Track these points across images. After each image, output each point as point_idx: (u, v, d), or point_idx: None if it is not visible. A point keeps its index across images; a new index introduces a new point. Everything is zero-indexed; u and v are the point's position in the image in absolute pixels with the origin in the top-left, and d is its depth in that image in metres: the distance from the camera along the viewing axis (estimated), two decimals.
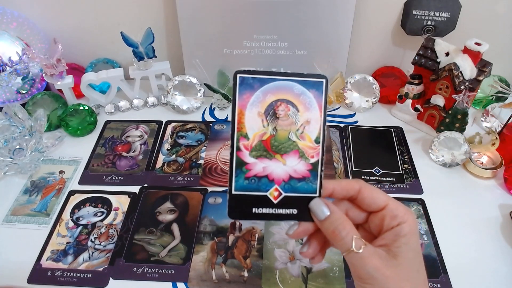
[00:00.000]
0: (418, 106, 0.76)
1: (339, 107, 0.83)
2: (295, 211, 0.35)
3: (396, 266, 0.32)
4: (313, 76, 0.34)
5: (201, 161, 0.71)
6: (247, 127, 0.34)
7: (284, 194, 0.35)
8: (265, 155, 0.35)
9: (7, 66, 0.76)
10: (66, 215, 0.62)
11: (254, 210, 0.35)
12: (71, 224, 0.61)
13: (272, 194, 0.35)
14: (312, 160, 0.35)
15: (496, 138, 0.65)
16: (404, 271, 0.32)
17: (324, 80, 0.34)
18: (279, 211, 0.35)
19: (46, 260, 0.56)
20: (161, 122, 0.80)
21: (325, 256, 0.56)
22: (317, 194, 0.36)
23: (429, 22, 0.75)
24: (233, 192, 0.35)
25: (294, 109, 0.35)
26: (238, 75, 0.34)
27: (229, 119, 0.79)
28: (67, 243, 0.59)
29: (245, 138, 0.34)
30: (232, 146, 0.34)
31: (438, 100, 0.71)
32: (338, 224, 0.34)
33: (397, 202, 0.35)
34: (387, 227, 0.34)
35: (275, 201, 0.35)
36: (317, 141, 0.35)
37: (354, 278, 0.34)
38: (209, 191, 0.66)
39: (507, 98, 0.78)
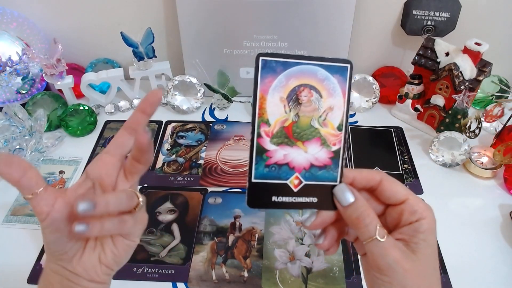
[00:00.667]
0: (418, 106, 0.76)
1: None
2: (315, 200, 0.34)
3: (414, 261, 0.32)
4: (338, 60, 0.33)
5: (201, 161, 0.71)
6: (268, 113, 0.33)
7: (304, 182, 0.34)
8: (287, 142, 0.33)
9: (7, 66, 0.76)
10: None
11: (274, 198, 0.34)
12: None
13: (293, 182, 0.34)
14: (334, 148, 0.34)
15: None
16: (422, 267, 0.32)
17: (349, 65, 0.33)
18: (299, 199, 0.34)
19: None
20: (161, 122, 0.80)
21: (325, 257, 0.56)
22: (338, 183, 0.35)
23: (429, 22, 0.75)
24: (253, 180, 0.33)
25: (317, 95, 0.33)
26: (261, 58, 0.32)
27: (229, 119, 0.80)
28: None
29: (267, 124, 0.33)
30: (252, 133, 0.33)
31: (438, 100, 0.71)
32: (363, 211, 0.33)
33: (417, 197, 0.34)
34: (406, 221, 0.33)
35: (295, 189, 0.34)
36: (339, 128, 0.34)
37: (372, 269, 0.33)
38: (209, 191, 0.66)
39: (507, 97, 0.78)
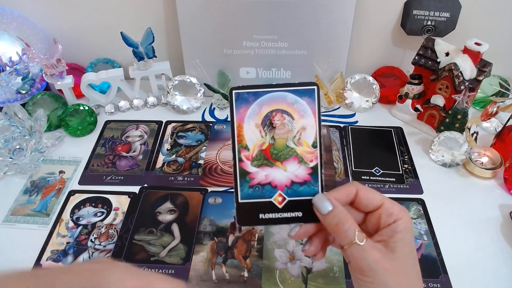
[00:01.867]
0: (418, 106, 0.76)
1: (339, 107, 0.83)
2: (300, 214, 0.37)
3: (393, 260, 0.34)
4: (304, 84, 0.36)
5: (201, 161, 0.71)
6: (246, 139, 0.36)
7: (288, 198, 0.37)
8: (266, 163, 0.37)
9: (7, 66, 0.76)
10: (66, 215, 0.62)
11: (261, 216, 0.37)
12: (71, 224, 0.61)
13: (277, 199, 0.37)
14: (312, 164, 0.37)
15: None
16: (401, 265, 0.34)
17: (315, 87, 0.36)
18: (285, 215, 0.37)
19: (46, 260, 0.56)
20: (161, 122, 0.80)
21: (325, 257, 0.56)
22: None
23: (429, 22, 0.75)
24: (240, 200, 0.37)
25: (289, 118, 0.36)
26: (234, 92, 0.36)
27: (229, 119, 0.80)
28: (67, 243, 0.59)
29: (246, 149, 0.37)
30: (234, 158, 0.37)
31: (438, 100, 0.71)
32: (341, 217, 0.35)
33: (392, 201, 0.37)
34: (384, 224, 0.36)
35: (280, 206, 0.37)
36: (314, 145, 0.37)
37: (354, 271, 0.35)
38: (209, 191, 0.66)
39: (506, 99, 0.78)
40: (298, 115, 0.36)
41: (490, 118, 0.72)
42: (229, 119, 0.77)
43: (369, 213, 0.38)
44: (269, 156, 0.37)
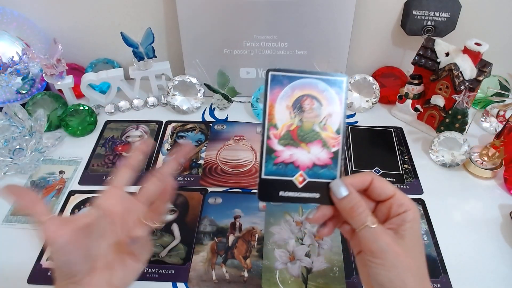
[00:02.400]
0: (418, 106, 0.76)
1: None
2: (317, 195, 0.39)
3: (403, 245, 0.36)
4: (335, 75, 0.38)
5: (201, 161, 0.71)
6: (276, 118, 0.38)
7: (308, 179, 0.39)
8: (292, 143, 0.38)
9: (8, 67, 0.76)
10: (66, 215, 0.62)
11: (281, 193, 0.39)
12: None
13: (298, 179, 0.39)
14: (334, 149, 0.39)
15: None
16: (410, 250, 0.36)
17: (344, 79, 0.38)
18: (303, 194, 0.39)
19: (46, 260, 0.56)
20: (161, 122, 0.80)
21: (325, 257, 0.57)
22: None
23: (429, 22, 0.75)
24: (263, 176, 0.38)
25: (318, 104, 0.38)
26: (270, 73, 0.38)
27: (229, 119, 0.80)
28: None
29: (275, 128, 0.38)
30: (263, 135, 0.38)
31: (438, 100, 0.71)
32: (356, 202, 0.37)
33: (403, 193, 0.39)
34: (394, 213, 0.38)
35: (300, 186, 0.39)
36: (338, 132, 0.39)
37: (365, 254, 0.37)
38: (209, 191, 0.66)
39: (508, 96, 0.78)
40: (326, 102, 0.38)
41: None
42: (233, 117, 0.78)
43: (380, 202, 0.39)
44: (296, 137, 0.39)
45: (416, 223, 0.37)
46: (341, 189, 0.38)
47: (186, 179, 0.68)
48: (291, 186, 0.39)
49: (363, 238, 0.36)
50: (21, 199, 0.39)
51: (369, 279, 0.37)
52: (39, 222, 0.38)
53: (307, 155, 0.39)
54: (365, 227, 0.36)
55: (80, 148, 0.74)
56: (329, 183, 0.39)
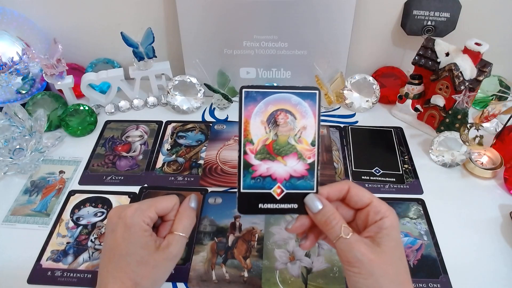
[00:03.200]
0: (418, 106, 0.76)
1: (339, 107, 0.83)
2: (295, 206, 0.40)
3: (379, 252, 0.37)
4: (307, 88, 0.40)
5: (201, 161, 0.71)
6: (252, 134, 0.39)
7: (286, 191, 0.40)
8: (268, 157, 0.40)
9: (10, 68, 0.76)
10: (66, 215, 0.62)
11: (260, 205, 0.40)
12: (71, 224, 0.61)
13: (275, 191, 0.40)
14: (309, 161, 0.40)
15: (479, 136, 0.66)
16: (387, 257, 0.37)
17: (317, 92, 0.40)
18: (282, 206, 0.40)
19: (46, 260, 0.56)
20: (161, 122, 0.80)
21: (325, 257, 0.57)
22: (315, 190, 0.41)
23: (429, 22, 0.75)
24: (242, 190, 0.40)
25: (292, 117, 0.40)
26: (243, 90, 0.39)
27: (229, 119, 0.80)
28: (67, 243, 0.59)
29: (251, 143, 0.40)
30: (239, 151, 0.39)
31: (438, 100, 0.71)
32: (330, 215, 0.38)
33: (380, 200, 0.40)
34: (371, 221, 0.39)
35: (278, 197, 0.40)
36: (313, 144, 0.40)
37: (343, 264, 0.38)
38: (209, 191, 0.66)
39: (506, 98, 0.78)
40: (300, 116, 0.40)
41: (490, 120, 0.71)
42: (233, 117, 0.79)
43: (358, 210, 0.41)
44: (272, 151, 0.40)
45: (393, 230, 0.38)
46: (316, 203, 0.39)
47: (186, 179, 0.68)
48: (269, 198, 0.40)
49: (339, 249, 0.38)
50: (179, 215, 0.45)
51: (348, 281, 0.38)
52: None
53: (284, 168, 0.40)
54: (340, 238, 0.37)
55: (80, 148, 0.74)
56: (306, 193, 0.40)
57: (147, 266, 0.40)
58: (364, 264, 0.36)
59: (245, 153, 0.40)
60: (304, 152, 0.40)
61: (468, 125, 0.67)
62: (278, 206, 0.40)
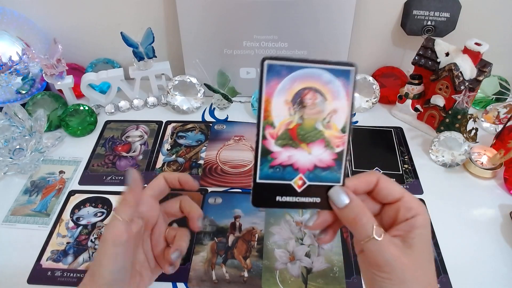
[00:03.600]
0: (418, 106, 0.76)
1: None
2: (318, 200, 0.35)
3: (411, 255, 0.33)
4: (342, 64, 0.34)
5: (201, 161, 0.71)
6: (273, 115, 0.33)
7: (308, 183, 0.35)
8: (291, 144, 0.34)
9: (10, 68, 0.76)
10: (66, 215, 0.62)
11: (278, 198, 0.35)
12: (71, 224, 0.61)
13: (297, 182, 0.35)
14: (338, 150, 0.35)
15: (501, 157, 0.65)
16: (419, 261, 0.33)
17: (353, 68, 0.34)
18: (303, 199, 0.35)
19: (46, 260, 0.56)
20: (161, 122, 0.80)
21: (325, 257, 0.56)
22: (341, 183, 0.35)
23: (429, 22, 0.75)
24: (258, 180, 0.35)
25: (321, 98, 0.34)
26: (266, 62, 0.32)
27: (229, 119, 0.80)
28: (67, 243, 0.59)
29: (271, 126, 0.34)
30: (257, 135, 0.34)
31: (438, 100, 0.71)
32: (359, 211, 0.34)
33: (412, 195, 0.36)
34: (402, 218, 0.35)
35: (299, 190, 0.35)
36: (343, 130, 0.35)
37: (371, 267, 0.34)
38: (209, 191, 0.66)
39: (506, 98, 0.78)
40: (331, 96, 0.34)
41: (500, 122, 0.71)
42: (233, 117, 0.77)
43: (386, 205, 0.37)
44: (295, 137, 0.34)
45: (426, 230, 0.34)
46: (342, 197, 0.34)
47: None
48: (289, 190, 0.35)
49: (368, 251, 0.33)
50: (130, 191, 0.40)
51: (372, 284, 0.34)
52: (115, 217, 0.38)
53: (308, 157, 0.35)
54: (371, 239, 0.33)
55: (80, 148, 0.74)
56: (331, 186, 0.35)
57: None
58: (395, 269, 0.32)
59: (264, 137, 0.34)
60: (332, 139, 0.34)
61: (468, 116, 0.67)
62: (299, 199, 0.35)
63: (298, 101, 0.33)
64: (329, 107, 0.34)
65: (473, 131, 0.68)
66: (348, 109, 0.35)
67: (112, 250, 0.37)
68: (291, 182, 0.35)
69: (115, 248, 0.37)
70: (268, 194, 0.35)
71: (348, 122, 0.35)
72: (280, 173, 0.35)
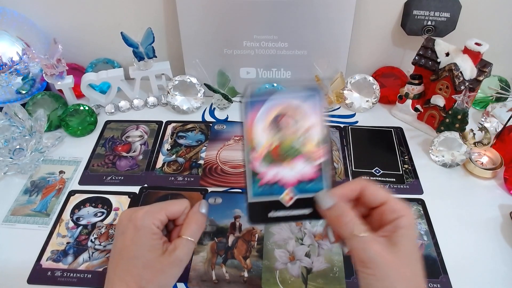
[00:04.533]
0: (418, 106, 0.76)
1: (339, 107, 0.83)
2: (308, 211, 0.39)
3: (395, 253, 0.34)
4: (307, 89, 0.39)
5: (201, 161, 0.71)
6: (255, 141, 0.38)
7: (296, 196, 0.39)
8: (274, 163, 0.39)
9: (10, 68, 0.76)
10: (66, 215, 0.62)
11: (270, 214, 0.39)
12: (71, 224, 0.61)
13: (285, 198, 0.39)
14: (318, 161, 0.39)
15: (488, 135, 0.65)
16: (403, 258, 0.34)
17: (317, 92, 0.39)
18: (293, 212, 0.39)
19: (46, 260, 0.56)
20: (161, 122, 0.80)
21: (325, 257, 0.57)
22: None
23: (429, 22, 0.75)
24: (249, 200, 0.39)
25: (294, 120, 0.39)
26: (244, 100, 0.39)
27: (229, 119, 0.80)
28: (67, 243, 0.59)
29: (255, 150, 0.39)
30: (244, 160, 0.39)
31: (438, 100, 0.71)
32: (342, 211, 0.36)
33: (396, 198, 0.38)
34: (387, 220, 0.37)
35: (287, 204, 0.39)
36: (320, 144, 0.39)
37: (356, 264, 0.35)
38: (209, 191, 0.66)
39: (506, 98, 0.78)
40: (302, 117, 0.39)
41: None
42: (233, 117, 0.79)
43: (373, 209, 0.39)
44: (277, 156, 0.39)
45: (410, 230, 0.36)
46: (326, 199, 0.37)
47: (186, 179, 0.68)
48: (279, 205, 0.38)
49: (352, 248, 0.35)
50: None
51: (360, 281, 0.35)
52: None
53: (291, 172, 0.39)
54: (354, 236, 0.35)
55: (80, 148, 0.74)
56: None
57: (153, 270, 0.39)
58: (379, 265, 0.34)
59: (249, 161, 0.39)
60: (311, 153, 0.39)
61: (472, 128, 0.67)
62: (289, 213, 0.39)
63: (275, 125, 0.39)
64: (303, 126, 0.39)
65: (486, 140, 0.67)
66: (320, 124, 0.39)
67: (180, 271, 0.42)
68: (279, 198, 0.39)
69: (182, 268, 0.42)
70: (261, 211, 0.39)
71: (324, 135, 0.39)
72: (268, 190, 0.39)
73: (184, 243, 0.41)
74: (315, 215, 0.38)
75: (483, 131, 0.67)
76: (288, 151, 0.39)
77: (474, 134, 0.67)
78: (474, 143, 0.67)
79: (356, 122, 0.79)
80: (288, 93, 0.39)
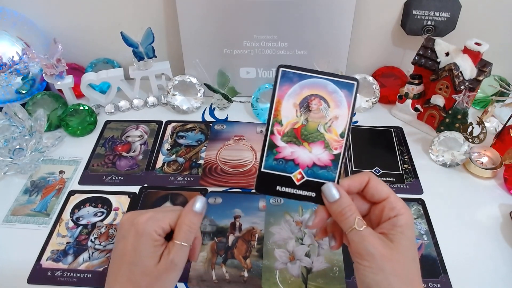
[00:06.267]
0: (418, 106, 0.76)
1: None
2: (313, 194, 0.39)
3: (392, 249, 0.35)
4: (346, 78, 0.38)
5: (201, 161, 0.71)
6: (282, 115, 0.39)
7: (306, 178, 0.39)
8: (295, 141, 0.39)
9: (10, 68, 0.76)
10: (66, 215, 0.62)
11: (278, 188, 0.39)
12: (71, 224, 0.61)
13: (296, 176, 0.39)
14: (335, 152, 0.39)
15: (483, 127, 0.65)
16: (399, 255, 0.35)
17: (355, 83, 0.38)
18: (299, 192, 0.39)
19: (46, 260, 0.56)
20: (161, 122, 0.80)
21: (325, 256, 0.56)
22: (335, 182, 0.39)
23: (429, 22, 0.75)
24: (262, 169, 0.39)
25: (325, 105, 0.39)
26: (281, 69, 0.38)
27: (229, 119, 0.80)
28: (67, 243, 0.59)
29: (279, 124, 0.39)
30: (266, 130, 0.39)
31: (438, 100, 0.71)
32: (346, 206, 0.37)
33: (397, 197, 0.39)
34: (386, 217, 0.38)
35: (297, 183, 0.39)
36: (342, 135, 0.39)
37: (353, 256, 0.37)
38: (209, 191, 0.66)
39: (508, 95, 0.78)
40: (334, 104, 0.39)
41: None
42: (233, 117, 0.79)
43: (374, 204, 0.39)
44: (299, 136, 0.39)
45: (407, 229, 0.37)
46: (333, 192, 0.38)
47: (186, 179, 0.68)
48: (288, 182, 0.39)
49: (351, 241, 0.37)
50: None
51: (357, 273, 0.37)
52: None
53: (308, 155, 0.39)
54: (353, 229, 0.36)
55: (80, 148, 0.74)
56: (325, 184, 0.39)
57: (151, 277, 0.39)
58: (375, 258, 0.35)
59: (272, 133, 0.39)
60: (331, 142, 0.39)
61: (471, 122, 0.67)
62: (296, 191, 0.39)
63: (305, 105, 0.39)
64: (332, 114, 0.39)
65: (482, 135, 0.67)
66: (348, 117, 0.39)
67: (177, 276, 0.41)
68: (291, 175, 0.39)
69: (179, 272, 0.41)
70: (270, 183, 0.39)
71: (347, 129, 0.39)
72: (283, 166, 0.39)
73: (177, 247, 0.40)
74: (319, 199, 0.39)
75: (480, 125, 0.67)
76: (312, 133, 0.39)
77: (473, 128, 0.67)
78: (472, 137, 0.67)
79: (356, 122, 0.79)
80: (327, 76, 0.38)
